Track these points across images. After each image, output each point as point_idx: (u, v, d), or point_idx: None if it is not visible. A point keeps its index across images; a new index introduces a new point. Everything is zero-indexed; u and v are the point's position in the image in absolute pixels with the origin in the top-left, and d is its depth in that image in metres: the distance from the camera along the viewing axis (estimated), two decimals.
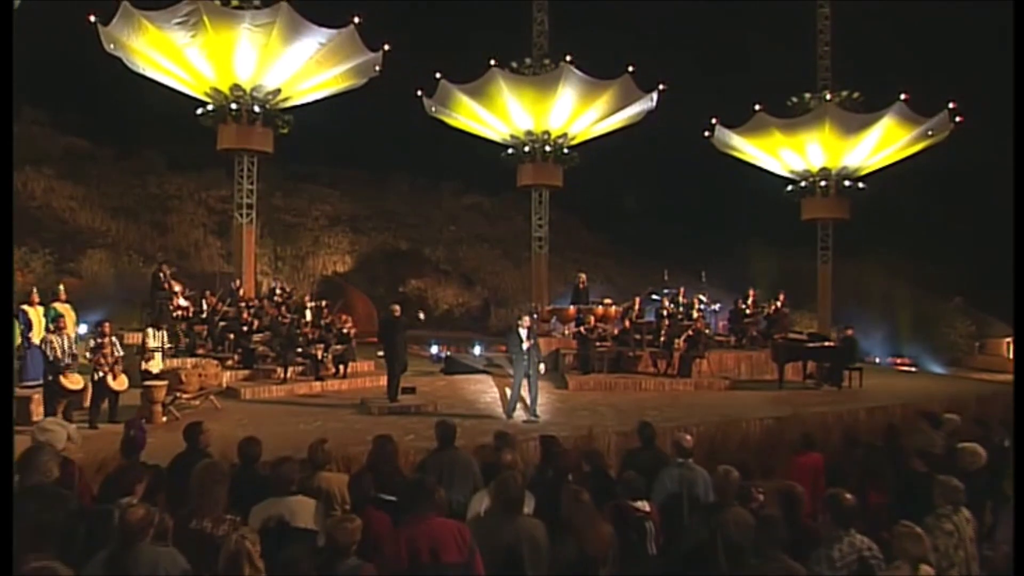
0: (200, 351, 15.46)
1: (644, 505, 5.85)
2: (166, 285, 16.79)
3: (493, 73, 20.95)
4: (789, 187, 25.02)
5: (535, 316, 19.83)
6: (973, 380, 20.78)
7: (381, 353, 14.07)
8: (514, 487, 4.87)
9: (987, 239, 30.85)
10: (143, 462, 5.90)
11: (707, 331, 17.76)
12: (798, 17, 25.89)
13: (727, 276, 26.51)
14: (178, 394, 11.77)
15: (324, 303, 17.29)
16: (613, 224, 35.30)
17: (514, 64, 21.91)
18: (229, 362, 15.28)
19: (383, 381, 13.95)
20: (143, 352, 12.84)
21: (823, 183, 24.33)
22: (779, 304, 19.48)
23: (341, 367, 15.53)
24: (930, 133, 23.56)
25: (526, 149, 22.55)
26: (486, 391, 15.49)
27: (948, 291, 31.49)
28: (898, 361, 27.02)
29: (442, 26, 32.29)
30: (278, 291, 18.54)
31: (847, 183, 24.28)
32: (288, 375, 14.75)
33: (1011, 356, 29.15)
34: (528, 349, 12.39)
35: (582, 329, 17.21)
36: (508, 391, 14.64)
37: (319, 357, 15.29)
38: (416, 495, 4.76)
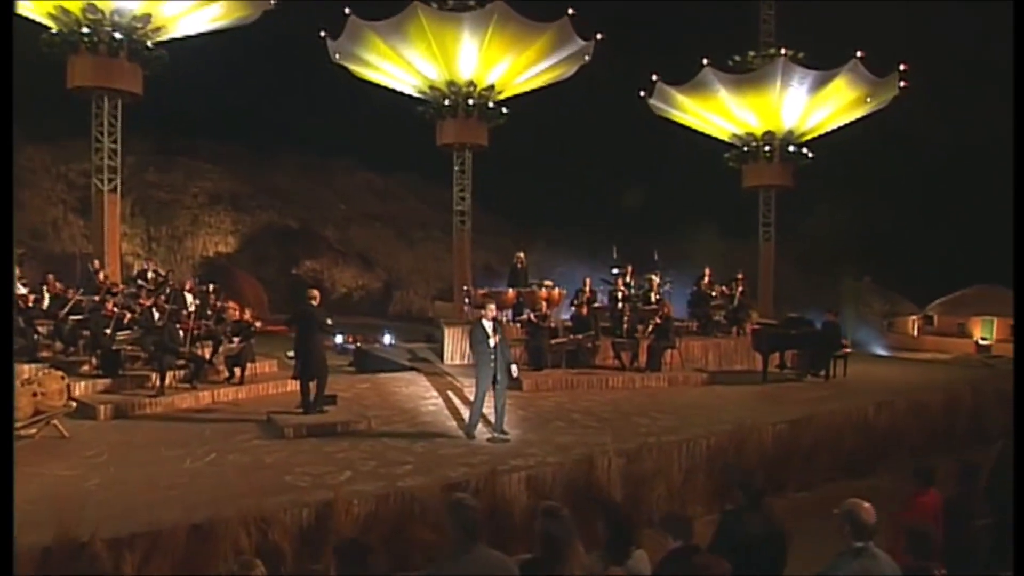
0: (44, 355, 11.83)
1: None
2: None
3: (414, 7, 17.47)
4: (729, 152, 23.03)
5: (468, 301, 16.96)
6: (940, 364, 19.29)
7: (291, 354, 10.88)
8: None
9: (893, 216, 30.12)
10: None
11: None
12: None
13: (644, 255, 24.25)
14: None
15: (211, 287, 13.80)
16: (515, 201, 32.19)
17: (434, 4, 18.55)
18: (84, 368, 11.80)
19: (292, 386, 11.02)
20: None
21: (767, 148, 22.43)
22: (740, 286, 17.30)
23: (236, 370, 12.09)
24: (868, 100, 22.00)
25: (446, 103, 19.44)
26: (423, 395, 12.52)
27: (855, 270, 30.38)
28: None
29: None
30: (150, 274, 15.09)
31: (791, 148, 22.42)
32: (166, 384, 11.22)
33: (916, 334, 28.76)
34: (495, 346, 9.43)
35: (532, 316, 14.33)
36: (453, 396, 12.10)
37: (207, 358, 11.94)
38: None
